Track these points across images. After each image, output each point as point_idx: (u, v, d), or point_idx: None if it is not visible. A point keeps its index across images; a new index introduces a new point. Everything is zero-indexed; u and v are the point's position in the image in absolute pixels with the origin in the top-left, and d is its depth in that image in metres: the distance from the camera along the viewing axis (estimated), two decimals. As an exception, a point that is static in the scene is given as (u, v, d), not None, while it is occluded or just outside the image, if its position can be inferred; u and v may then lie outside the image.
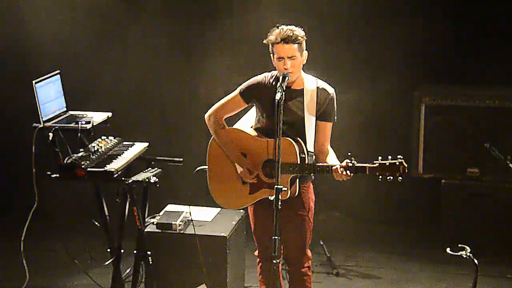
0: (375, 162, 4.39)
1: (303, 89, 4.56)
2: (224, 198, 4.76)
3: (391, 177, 4.37)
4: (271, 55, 4.52)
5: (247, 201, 4.68)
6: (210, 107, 4.72)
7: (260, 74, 4.65)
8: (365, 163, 4.41)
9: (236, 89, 4.67)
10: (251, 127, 4.73)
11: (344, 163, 4.41)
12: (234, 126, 4.75)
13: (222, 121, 4.67)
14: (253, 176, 4.60)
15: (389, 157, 4.38)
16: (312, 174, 4.66)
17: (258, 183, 4.61)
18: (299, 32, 4.46)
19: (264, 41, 4.50)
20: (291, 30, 4.45)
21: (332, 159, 4.59)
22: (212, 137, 4.73)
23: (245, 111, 4.80)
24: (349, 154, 4.41)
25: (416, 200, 7.08)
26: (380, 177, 4.39)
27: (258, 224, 4.77)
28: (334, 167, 4.43)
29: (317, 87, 4.58)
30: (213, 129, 4.69)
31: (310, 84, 4.58)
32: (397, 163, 4.36)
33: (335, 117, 4.65)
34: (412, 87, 6.77)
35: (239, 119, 4.84)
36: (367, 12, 7.07)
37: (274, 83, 4.57)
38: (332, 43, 6.95)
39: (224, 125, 4.68)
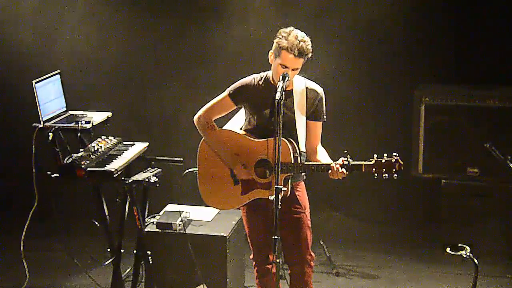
0: (370, 159, 4.39)
1: (292, 90, 4.55)
2: (215, 199, 4.73)
3: (387, 175, 4.37)
4: (272, 54, 4.47)
5: (239, 202, 4.66)
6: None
7: (248, 76, 4.64)
8: (361, 161, 4.41)
9: (225, 90, 4.65)
10: (241, 128, 4.71)
11: (340, 161, 4.41)
12: (224, 127, 4.74)
13: (212, 122, 4.66)
14: (246, 177, 4.59)
15: (385, 154, 4.38)
16: (304, 174, 4.66)
17: (250, 184, 4.60)
18: (310, 45, 4.42)
19: (276, 41, 4.43)
20: (306, 43, 4.39)
21: (325, 157, 4.59)
22: (202, 139, 4.71)
23: (233, 112, 4.78)
24: (345, 152, 4.41)
25: (416, 200, 7.08)
26: (376, 174, 4.39)
27: (252, 226, 4.75)
28: (330, 165, 4.42)
29: (306, 87, 4.58)
30: (203, 130, 4.67)
31: (299, 84, 4.57)
32: (393, 160, 4.37)
33: (325, 116, 4.65)
34: (412, 87, 6.77)
35: (227, 121, 4.83)
36: (367, 12, 7.06)
37: (263, 84, 4.57)
38: (332, 43, 6.95)
39: (214, 126, 4.66)
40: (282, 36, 4.43)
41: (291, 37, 4.40)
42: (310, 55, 4.44)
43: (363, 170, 4.40)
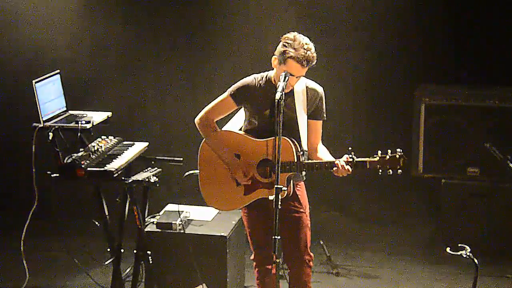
0: (375, 156, 4.40)
1: (292, 89, 4.55)
2: (218, 201, 4.74)
3: (392, 171, 4.38)
4: (276, 59, 4.44)
5: (242, 202, 4.66)
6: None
7: (248, 76, 4.64)
8: (365, 158, 4.41)
9: (226, 91, 4.64)
10: (240, 129, 4.72)
11: (344, 158, 4.42)
12: (224, 128, 4.74)
13: (213, 123, 4.66)
14: (248, 178, 4.59)
15: (389, 150, 4.38)
16: (304, 174, 4.66)
17: (253, 184, 4.60)
18: (315, 52, 4.41)
19: (281, 49, 4.40)
20: (311, 51, 4.38)
21: (326, 155, 4.60)
22: (203, 141, 4.71)
23: (232, 113, 4.78)
24: (350, 148, 4.41)
25: (416, 200, 7.07)
26: (381, 171, 4.39)
27: (253, 227, 4.75)
28: (334, 163, 4.43)
29: (306, 87, 4.59)
30: (205, 132, 4.67)
31: (299, 84, 4.57)
32: (397, 156, 4.37)
33: (325, 115, 4.66)
34: (412, 87, 6.78)
35: (226, 122, 4.83)
36: (367, 12, 7.07)
37: (264, 85, 4.57)
38: (331, 43, 6.95)
39: (215, 127, 4.67)
40: (288, 44, 4.39)
41: (297, 45, 4.38)
42: (315, 62, 4.44)
43: (368, 167, 4.41)
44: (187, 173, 5.06)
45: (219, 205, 4.80)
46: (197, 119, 4.70)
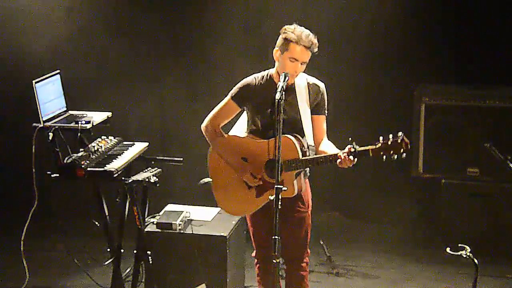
0: (376, 143, 4.38)
1: (294, 86, 4.56)
2: (232, 206, 4.76)
3: (396, 155, 4.36)
4: (278, 50, 4.48)
5: (255, 205, 4.65)
6: (207, 115, 4.70)
7: (248, 76, 4.64)
8: (367, 146, 4.39)
9: (227, 95, 4.65)
10: (245, 132, 4.72)
11: (346, 149, 4.41)
12: (229, 133, 4.74)
13: (219, 129, 4.66)
14: (258, 180, 4.60)
15: (390, 135, 4.37)
16: (308, 170, 4.66)
17: (263, 185, 4.60)
18: (316, 40, 4.47)
19: (282, 37, 4.45)
20: (312, 36, 4.44)
21: (331, 149, 4.59)
22: (210, 148, 4.72)
23: (237, 117, 4.78)
24: (350, 139, 4.40)
25: (416, 200, 7.07)
26: (384, 157, 4.37)
27: (256, 225, 4.76)
28: (337, 155, 4.42)
29: (308, 83, 4.60)
30: (211, 138, 4.68)
31: (300, 80, 4.58)
32: (399, 140, 4.35)
33: (327, 110, 4.66)
34: (412, 87, 6.77)
35: (231, 127, 4.83)
36: (367, 11, 7.06)
37: (265, 83, 4.58)
38: (331, 43, 6.94)
39: (221, 133, 4.67)
40: (288, 31, 4.46)
41: (298, 31, 4.45)
42: (316, 50, 4.45)
43: (371, 155, 4.38)
44: (202, 181, 5.04)
45: (235, 211, 4.84)
46: (203, 126, 4.70)
